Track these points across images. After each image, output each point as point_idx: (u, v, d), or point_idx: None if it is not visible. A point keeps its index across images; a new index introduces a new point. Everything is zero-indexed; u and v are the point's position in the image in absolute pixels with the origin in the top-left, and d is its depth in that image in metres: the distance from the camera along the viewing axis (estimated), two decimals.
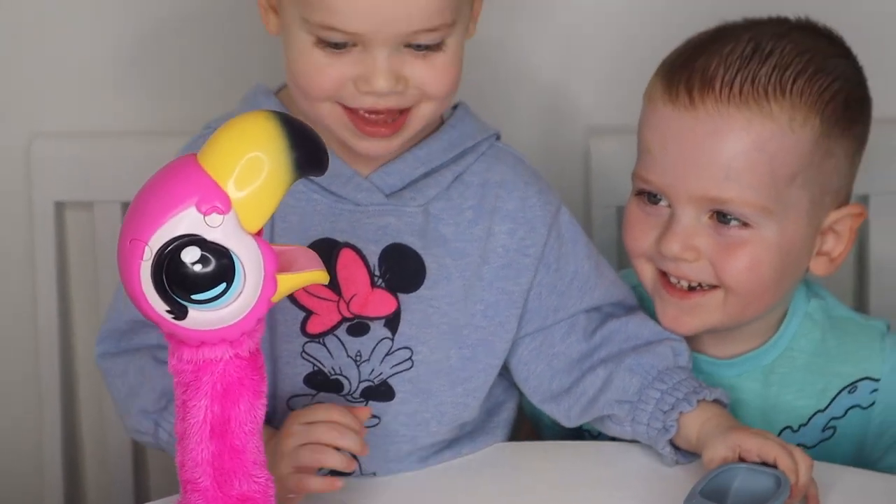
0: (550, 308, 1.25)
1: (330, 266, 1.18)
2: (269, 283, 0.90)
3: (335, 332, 1.20)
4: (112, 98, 1.56)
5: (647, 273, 1.29)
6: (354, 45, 1.14)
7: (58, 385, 1.56)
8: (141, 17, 1.54)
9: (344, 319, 1.19)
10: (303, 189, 1.19)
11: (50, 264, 1.55)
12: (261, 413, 0.96)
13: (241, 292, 0.89)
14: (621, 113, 1.53)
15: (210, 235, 0.88)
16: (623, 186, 1.45)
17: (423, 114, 1.18)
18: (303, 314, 1.19)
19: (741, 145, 1.22)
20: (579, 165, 1.58)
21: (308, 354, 1.20)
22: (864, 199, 1.50)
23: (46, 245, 1.54)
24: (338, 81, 1.14)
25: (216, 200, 0.88)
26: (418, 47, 1.14)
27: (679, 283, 1.26)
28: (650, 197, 1.27)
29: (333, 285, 1.19)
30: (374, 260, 1.20)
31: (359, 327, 1.20)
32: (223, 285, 0.89)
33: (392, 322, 1.20)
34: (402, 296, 1.20)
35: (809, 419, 1.31)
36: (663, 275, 1.27)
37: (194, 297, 0.88)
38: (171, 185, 0.89)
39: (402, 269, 1.20)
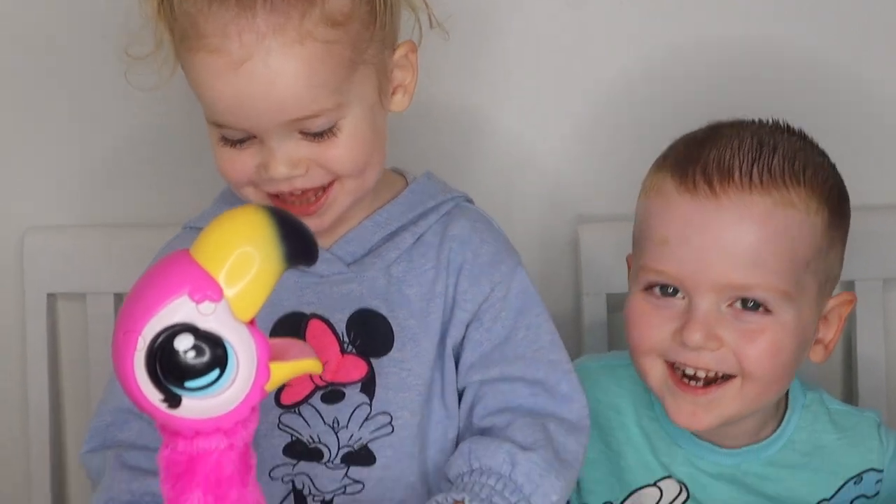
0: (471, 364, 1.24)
1: (300, 337, 1.19)
2: (263, 370, 0.91)
3: (310, 401, 1.20)
4: (104, 191, 1.57)
5: (655, 370, 1.27)
6: (253, 137, 1.16)
7: (48, 479, 1.55)
8: (137, 111, 1.55)
9: (317, 388, 1.20)
10: None
11: (41, 355, 1.55)
12: (251, 500, 0.95)
13: (234, 379, 0.90)
14: (610, 202, 1.56)
15: (203, 323, 0.88)
16: (612, 273, 1.46)
17: (348, 188, 1.19)
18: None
19: (766, 232, 1.23)
20: (569, 253, 1.59)
21: (285, 425, 1.20)
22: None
23: (38, 336, 1.55)
24: (246, 171, 1.17)
25: (208, 290, 0.89)
26: (312, 135, 1.16)
27: (696, 374, 1.25)
28: (662, 289, 1.26)
29: None
30: (341, 327, 1.21)
31: (333, 395, 1.20)
32: (216, 372, 0.89)
33: (367, 386, 1.20)
34: (374, 360, 1.21)
35: None
36: (673, 371, 1.26)
37: (188, 384, 0.89)
38: (164, 278, 0.90)
39: (370, 334, 1.21)
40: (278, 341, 0.94)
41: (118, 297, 1.55)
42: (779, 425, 1.32)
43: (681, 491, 1.32)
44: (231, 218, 0.91)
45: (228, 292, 0.89)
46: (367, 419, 1.20)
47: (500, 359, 1.21)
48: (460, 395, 1.23)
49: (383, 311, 1.21)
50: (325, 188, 1.18)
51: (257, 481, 0.96)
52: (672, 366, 1.26)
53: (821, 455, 1.32)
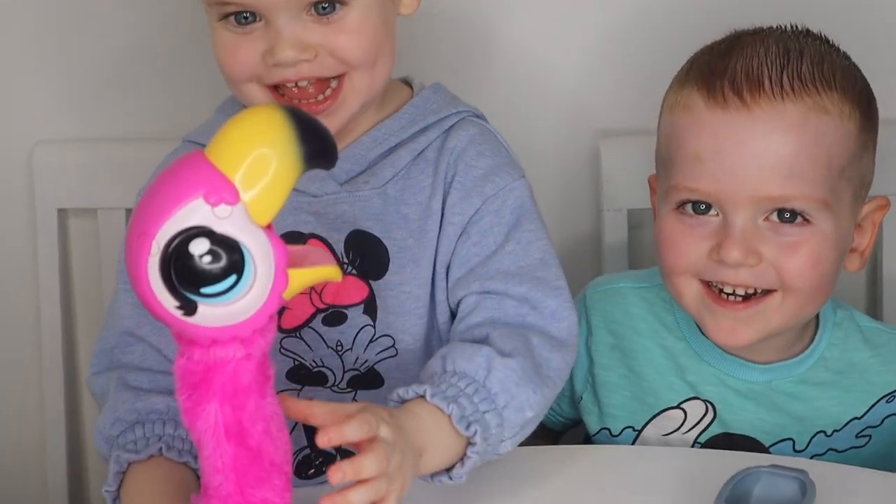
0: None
1: None
2: (281, 277, 0.88)
3: (310, 325, 1.18)
4: (115, 103, 1.56)
5: (690, 290, 1.25)
6: (258, 20, 1.13)
7: (61, 391, 1.55)
8: (145, 21, 1.53)
9: (318, 311, 1.18)
10: None
11: (53, 272, 1.54)
12: (268, 412, 0.93)
13: (251, 286, 0.87)
14: (631, 116, 1.53)
15: (219, 227, 0.86)
16: (633, 189, 1.44)
17: (357, 86, 1.16)
18: None
19: (801, 140, 1.20)
20: (589, 168, 1.57)
21: (286, 349, 1.18)
22: None
23: (49, 253, 1.54)
24: (249, 59, 1.14)
25: (224, 192, 0.86)
26: (319, 11, 1.13)
27: (734, 292, 1.23)
28: (695, 207, 1.24)
29: None
30: (340, 248, 1.18)
31: (335, 316, 1.18)
32: (233, 278, 0.86)
33: (370, 307, 1.18)
34: (373, 282, 1.18)
35: (845, 425, 1.30)
36: (710, 288, 1.24)
37: (203, 290, 0.86)
38: (178, 180, 0.87)
39: (368, 256, 1.18)
40: (296, 248, 0.91)
41: (130, 213, 1.52)
42: (810, 343, 1.31)
43: (706, 411, 1.30)
44: (248, 118, 0.88)
45: (245, 195, 0.86)
46: (371, 341, 1.18)
47: (485, 273, 1.17)
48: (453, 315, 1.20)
49: (377, 232, 1.18)
50: (334, 89, 1.15)
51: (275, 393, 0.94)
52: (708, 284, 1.24)
53: (853, 373, 1.30)
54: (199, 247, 0.85)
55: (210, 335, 0.89)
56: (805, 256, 1.22)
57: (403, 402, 1.06)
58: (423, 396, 1.06)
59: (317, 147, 0.88)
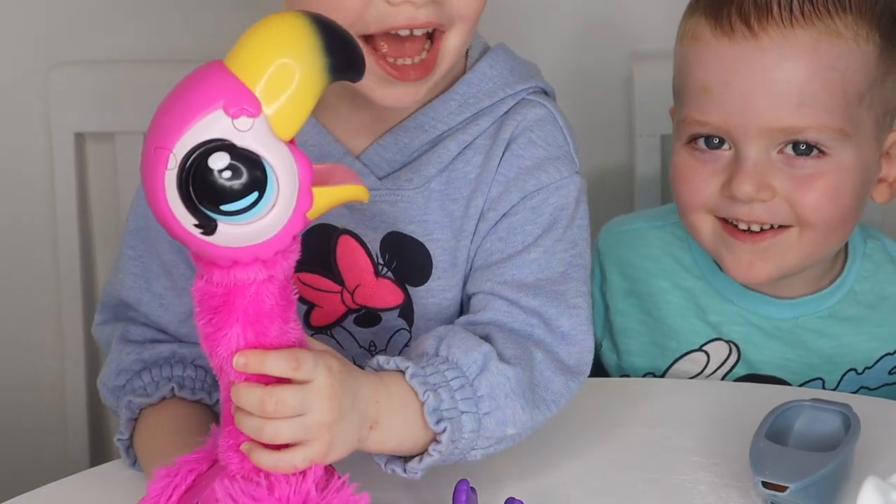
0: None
1: (329, 253, 1.09)
2: (305, 195, 0.84)
3: (342, 324, 1.11)
4: (133, 25, 1.53)
5: (706, 226, 1.22)
6: None
7: (80, 319, 1.54)
8: None
9: (350, 310, 1.11)
10: None
11: (71, 197, 1.53)
12: (292, 338, 0.89)
13: (274, 203, 0.83)
14: (665, 38, 1.49)
15: (240, 141, 0.81)
16: (667, 114, 1.40)
17: (451, 47, 1.05)
18: (305, 307, 1.11)
19: (813, 67, 1.16)
20: (622, 93, 1.54)
21: None
22: None
23: (67, 178, 1.53)
24: None
25: (245, 102, 0.81)
26: None
27: (749, 227, 1.20)
28: (707, 141, 1.20)
29: (335, 275, 1.10)
30: (375, 248, 1.09)
31: (368, 317, 1.11)
32: (255, 195, 0.82)
33: (406, 312, 1.10)
34: (411, 288, 1.10)
35: (876, 362, 1.27)
36: (726, 223, 1.21)
37: (224, 208, 0.82)
38: (196, 89, 0.82)
39: (406, 260, 1.09)
40: (321, 165, 0.87)
41: None
42: (838, 275, 1.27)
43: (730, 353, 1.27)
44: (269, 25, 0.83)
45: (267, 107, 0.82)
46: (406, 345, 1.11)
47: (500, 275, 1.07)
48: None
49: (418, 235, 1.09)
50: (429, 50, 1.03)
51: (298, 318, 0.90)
52: (724, 219, 1.21)
53: (884, 306, 1.27)
54: (218, 161, 0.80)
55: (230, 256, 0.85)
56: (821, 190, 1.18)
57: (381, 370, 0.98)
58: (402, 372, 0.97)
59: (343, 58, 0.83)
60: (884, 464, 1.06)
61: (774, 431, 1.05)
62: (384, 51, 1.03)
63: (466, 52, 1.11)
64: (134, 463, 1.07)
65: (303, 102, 0.82)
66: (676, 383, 1.25)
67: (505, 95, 1.10)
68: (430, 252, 1.09)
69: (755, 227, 1.20)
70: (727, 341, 1.27)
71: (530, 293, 1.05)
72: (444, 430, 0.97)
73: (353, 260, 1.09)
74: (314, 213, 0.85)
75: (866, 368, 1.27)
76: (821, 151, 1.18)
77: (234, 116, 0.80)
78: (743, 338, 1.27)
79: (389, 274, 1.09)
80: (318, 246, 1.08)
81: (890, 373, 1.27)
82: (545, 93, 1.13)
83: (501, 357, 1.01)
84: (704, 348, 1.28)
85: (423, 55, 1.03)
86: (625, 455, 1.10)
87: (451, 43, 1.05)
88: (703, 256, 1.27)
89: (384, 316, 1.10)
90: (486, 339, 1.03)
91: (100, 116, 1.51)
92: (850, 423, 1.05)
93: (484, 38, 1.14)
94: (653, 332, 1.29)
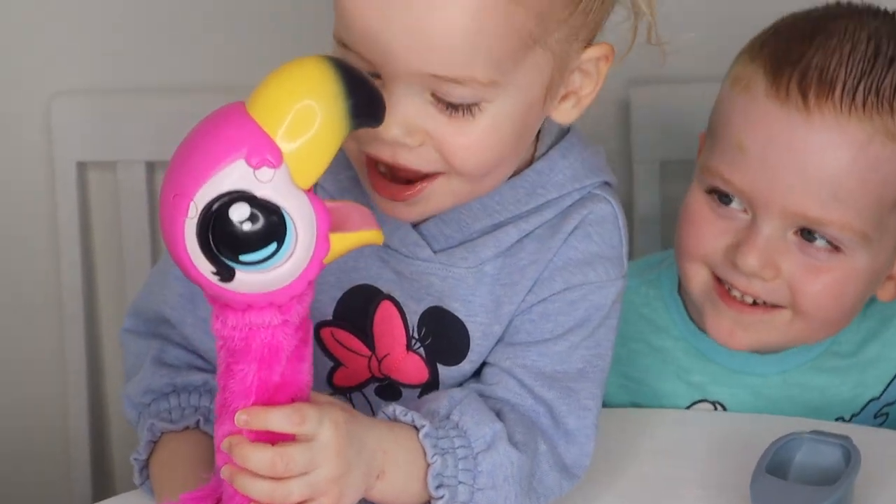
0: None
1: (368, 316, 1.07)
2: (322, 243, 0.84)
3: (363, 390, 1.09)
4: (134, 53, 1.53)
5: (699, 278, 1.17)
6: (378, 76, 0.94)
7: (83, 347, 1.54)
8: None
9: (373, 378, 1.08)
10: None
11: (73, 226, 1.53)
12: (303, 379, 0.90)
13: (292, 253, 0.83)
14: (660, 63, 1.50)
15: (260, 191, 0.82)
16: (666, 139, 1.41)
17: (454, 189, 0.99)
18: (330, 364, 1.09)
19: (857, 165, 1.10)
20: (619, 118, 1.54)
21: None
22: None
23: (69, 206, 1.53)
24: None
25: (267, 153, 0.82)
26: (446, 104, 0.95)
27: (742, 297, 1.16)
28: (722, 198, 1.15)
29: (368, 338, 1.07)
30: (413, 319, 1.06)
31: (389, 390, 1.08)
32: (274, 245, 0.83)
33: (428, 391, 1.07)
34: (441, 368, 1.06)
35: (863, 408, 1.24)
36: (719, 283, 1.17)
37: (242, 258, 0.82)
38: (218, 136, 0.83)
39: (442, 337, 1.06)
40: (337, 206, 0.87)
41: (150, 166, 1.54)
42: None
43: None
44: (290, 69, 0.83)
45: (287, 150, 0.82)
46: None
47: (521, 358, 1.05)
48: None
49: (461, 314, 1.05)
50: (423, 178, 0.98)
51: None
52: (719, 279, 1.17)
53: (867, 352, 1.23)
54: (239, 212, 0.81)
55: (245, 300, 0.86)
56: (827, 285, 1.13)
57: (395, 420, 0.99)
58: (416, 428, 0.98)
59: (364, 100, 0.83)
60: (884, 495, 1.07)
61: (775, 464, 1.05)
62: (382, 169, 0.99)
63: (538, 134, 1.06)
64: (143, 483, 1.07)
65: (324, 147, 0.83)
66: (682, 413, 1.23)
67: (573, 189, 1.06)
68: (470, 333, 1.06)
69: (748, 299, 1.16)
70: (712, 402, 1.24)
71: (546, 384, 1.04)
72: (442, 497, 0.97)
73: (388, 327, 1.06)
74: (330, 259, 0.86)
75: (853, 415, 1.24)
76: (836, 248, 1.13)
77: (255, 167, 0.81)
78: (729, 398, 1.23)
79: (421, 350, 1.07)
80: (359, 306, 1.06)
81: (875, 416, 1.25)
82: (609, 184, 1.10)
83: (511, 439, 1.01)
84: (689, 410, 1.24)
85: (413, 180, 0.99)
86: (626, 485, 1.10)
87: (449, 188, 0.99)
88: (682, 315, 1.23)
89: (405, 392, 1.08)
90: (499, 415, 1.02)
91: (101, 145, 1.51)
92: (850, 455, 1.05)
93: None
94: (633, 395, 1.25)
